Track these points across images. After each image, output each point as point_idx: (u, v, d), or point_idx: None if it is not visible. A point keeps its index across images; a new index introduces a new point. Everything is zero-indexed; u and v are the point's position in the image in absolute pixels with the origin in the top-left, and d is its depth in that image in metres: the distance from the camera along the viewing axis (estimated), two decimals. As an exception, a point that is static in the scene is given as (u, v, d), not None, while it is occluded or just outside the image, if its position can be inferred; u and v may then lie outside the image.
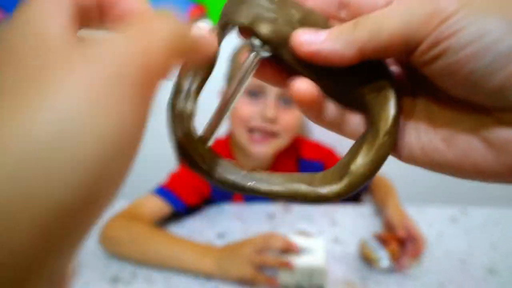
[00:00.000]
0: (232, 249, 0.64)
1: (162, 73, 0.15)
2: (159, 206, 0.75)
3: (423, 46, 0.16)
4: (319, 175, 0.20)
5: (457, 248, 0.72)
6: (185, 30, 0.16)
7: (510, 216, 0.82)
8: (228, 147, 0.88)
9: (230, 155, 0.87)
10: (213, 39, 0.18)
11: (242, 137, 0.80)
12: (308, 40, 0.18)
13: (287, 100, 0.79)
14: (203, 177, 0.20)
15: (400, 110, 0.19)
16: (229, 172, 0.20)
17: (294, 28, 0.19)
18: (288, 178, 0.20)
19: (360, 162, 0.19)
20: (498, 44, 0.15)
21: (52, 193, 0.11)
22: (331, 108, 0.21)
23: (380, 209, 0.79)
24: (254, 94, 0.79)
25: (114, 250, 0.68)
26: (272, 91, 0.77)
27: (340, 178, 0.19)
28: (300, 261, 0.60)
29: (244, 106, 0.79)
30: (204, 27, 0.17)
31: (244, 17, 0.19)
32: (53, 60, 0.12)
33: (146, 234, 0.68)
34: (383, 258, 0.64)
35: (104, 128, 0.12)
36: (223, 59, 0.96)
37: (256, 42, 0.19)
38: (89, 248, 0.69)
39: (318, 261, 0.60)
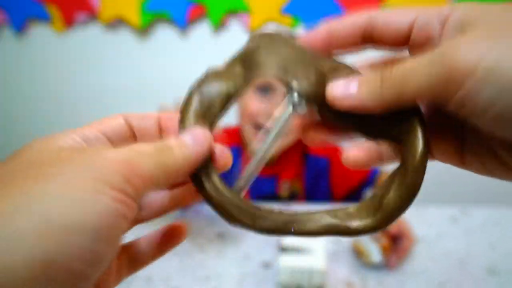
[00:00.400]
0: None
1: (146, 184, 0.17)
2: None
3: (450, 107, 0.17)
4: (353, 209, 0.21)
5: (456, 248, 0.72)
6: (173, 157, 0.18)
7: (510, 216, 0.82)
8: (239, 136, 0.89)
9: (239, 144, 0.88)
10: (203, 141, 0.20)
11: (249, 132, 0.82)
12: (342, 95, 0.20)
13: None
14: (245, 228, 0.21)
15: (428, 147, 0.20)
16: (268, 220, 0.21)
17: (325, 80, 0.20)
18: (323, 215, 0.21)
19: (392, 197, 0.20)
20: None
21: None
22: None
23: None
24: (264, 90, 0.79)
25: None
26: (280, 89, 0.78)
27: (374, 213, 0.20)
28: (300, 261, 0.60)
29: (252, 102, 0.79)
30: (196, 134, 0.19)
31: (275, 68, 0.21)
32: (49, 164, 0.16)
33: None
34: (374, 253, 0.65)
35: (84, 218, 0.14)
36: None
37: (295, 98, 0.21)
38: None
39: (318, 261, 0.60)
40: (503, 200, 1.05)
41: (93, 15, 1.05)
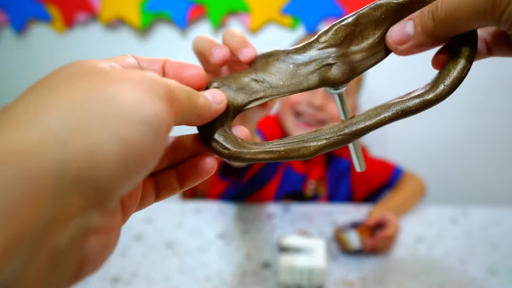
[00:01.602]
0: None
1: (179, 111, 0.19)
2: None
3: (501, 27, 0.20)
4: (416, 91, 0.24)
5: (457, 249, 0.72)
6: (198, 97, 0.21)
7: (510, 216, 0.82)
8: (277, 125, 0.91)
9: (279, 132, 0.89)
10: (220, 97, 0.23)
11: (289, 120, 0.84)
12: (400, 38, 0.23)
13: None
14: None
15: (474, 55, 0.23)
16: (324, 133, 0.25)
17: (351, 56, 0.25)
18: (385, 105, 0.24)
19: (452, 72, 0.23)
20: None
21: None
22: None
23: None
24: None
25: None
26: None
27: (440, 84, 0.23)
28: (300, 261, 0.60)
29: None
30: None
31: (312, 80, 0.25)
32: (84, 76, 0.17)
33: None
34: (353, 239, 0.68)
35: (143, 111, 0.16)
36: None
37: (332, 90, 0.26)
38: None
39: (318, 261, 0.60)
40: (503, 200, 1.05)
41: (93, 15, 1.05)
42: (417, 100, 0.23)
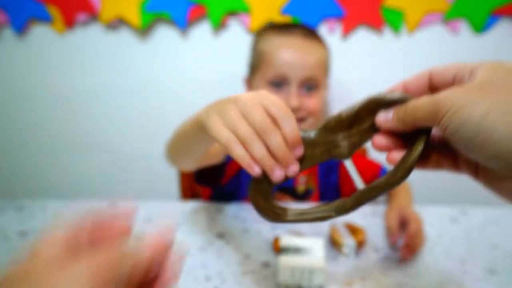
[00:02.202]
0: (228, 98, 0.44)
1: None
2: None
3: (441, 131, 0.28)
4: (383, 177, 0.34)
5: (457, 248, 0.72)
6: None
7: (510, 216, 0.82)
8: None
9: None
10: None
11: None
12: (384, 120, 0.33)
13: (310, 87, 0.84)
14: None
15: (424, 150, 0.32)
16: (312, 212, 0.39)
17: (352, 138, 0.35)
18: (358, 194, 0.36)
19: (404, 165, 0.33)
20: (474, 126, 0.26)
21: None
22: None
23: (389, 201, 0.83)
24: (278, 84, 0.83)
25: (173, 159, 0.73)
26: (294, 80, 0.82)
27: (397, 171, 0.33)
28: (300, 261, 0.60)
29: None
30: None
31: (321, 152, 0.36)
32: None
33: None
34: (349, 245, 0.68)
35: None
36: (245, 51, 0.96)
37: (345, 162, 0.36)
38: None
39: (318, 261, 0.60)
40: (503, 200, 1.04)
41: (93, 15, 1.05)
42: (383, 183, 0.34)
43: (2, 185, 1.28)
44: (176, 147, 0.68)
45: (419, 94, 0.32)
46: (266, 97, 0.39)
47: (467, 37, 1.05)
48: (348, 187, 0.94)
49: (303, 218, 0.37)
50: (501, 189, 0.29)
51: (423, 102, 0.29)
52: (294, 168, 0.36)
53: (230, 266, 0.66)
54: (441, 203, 0.88)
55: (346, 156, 0.35)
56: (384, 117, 0.32)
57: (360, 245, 0.69)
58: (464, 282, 0.64)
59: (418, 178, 0.89)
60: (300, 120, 0.84)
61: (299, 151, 0.35)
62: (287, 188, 0.90)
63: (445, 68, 0.31)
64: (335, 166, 0.94)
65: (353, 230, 0.71)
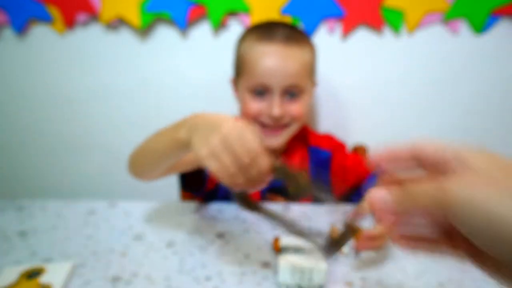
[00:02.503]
0: (210, 123, 0.52)
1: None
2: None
3: (449, 221, 0.26)
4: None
5: (457, 248, 0.72)
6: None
7: (510, 216, 0.81)
8: None
9: None
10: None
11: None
12: (380, 202, 0.30)
13: (292, 93, 0.83)
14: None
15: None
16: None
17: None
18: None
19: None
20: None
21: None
22: None
23: None
24: (260, 93, 0.83)
25: (137, 171, 0.75)
26: (277, 89, 0.81)
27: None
28: (300, 261, 0.60)
29: (252, 104, 0.83)
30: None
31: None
32: None
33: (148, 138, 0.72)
34: (349, 245, 0.68)
35: None
36: (230, 50, 0.96)
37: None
38: (90, 248, 0.69)
39: (318, 261, 0.60)
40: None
41: (93, 15, 1.05)
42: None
43: (2, 185, 1.28)
44: (146, 161, 0.70)
45: (404, 165, 0.32)
46: (242, 136, 0.49)
47: (467, 37, 1.05)
48: (338, 187, 0.94)
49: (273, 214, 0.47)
50: (497, 272, 0.28)
51: (427, 189, 0.28)
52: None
53: (230, 266, 0.66)
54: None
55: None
56: (379, 198, 0.30)
57: (358, 246, 0.69)
58: (464, 282, 0.64)
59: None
60: (284, 126, 0.84)
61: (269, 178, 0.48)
62: (279, 187, 0.90)
63: (430, 147, 0.30)
64: (326, 162, 0.94)
65: (353, 230, 0.71)
